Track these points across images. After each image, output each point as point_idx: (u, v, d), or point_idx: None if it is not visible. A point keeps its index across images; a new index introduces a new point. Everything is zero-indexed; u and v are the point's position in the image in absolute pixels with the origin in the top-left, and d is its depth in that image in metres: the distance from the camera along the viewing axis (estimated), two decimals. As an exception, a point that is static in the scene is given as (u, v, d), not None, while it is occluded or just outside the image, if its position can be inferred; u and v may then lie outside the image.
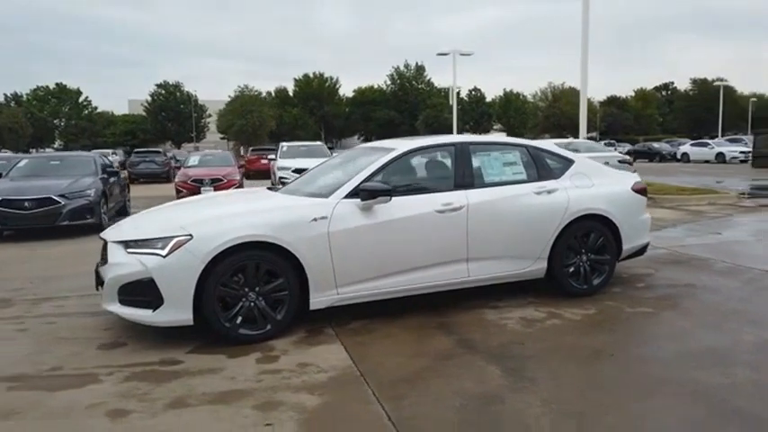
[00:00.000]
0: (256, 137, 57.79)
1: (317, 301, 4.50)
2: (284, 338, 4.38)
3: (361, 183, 4.68)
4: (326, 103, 72.41)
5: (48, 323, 4.92)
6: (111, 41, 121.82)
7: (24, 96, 68.47)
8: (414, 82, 76.55)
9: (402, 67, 76.65)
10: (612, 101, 74.65)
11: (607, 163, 8.14)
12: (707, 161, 33.42)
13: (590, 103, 18.71)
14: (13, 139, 56.47)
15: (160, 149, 33.12)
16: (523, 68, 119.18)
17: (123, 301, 4.28)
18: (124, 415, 3.23)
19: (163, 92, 69.46)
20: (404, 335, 4.49)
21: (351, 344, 4.29)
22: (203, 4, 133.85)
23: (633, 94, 78.92)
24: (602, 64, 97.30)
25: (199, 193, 13.65)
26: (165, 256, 4.12)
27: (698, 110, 70.40)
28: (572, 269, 5.30)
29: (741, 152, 32.21)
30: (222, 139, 68.44)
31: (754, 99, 67.70)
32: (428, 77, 76.73)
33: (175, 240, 4.16)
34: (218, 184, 14.54)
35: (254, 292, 4.31)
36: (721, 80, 55.32)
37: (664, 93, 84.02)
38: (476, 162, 5.18)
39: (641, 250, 5.84)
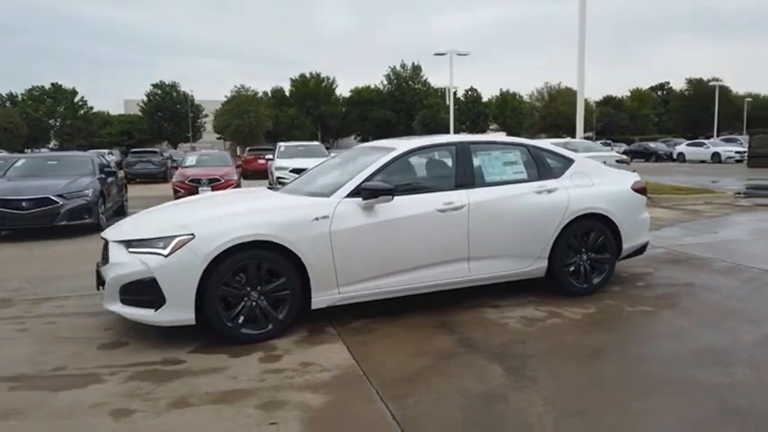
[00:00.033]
0: (253, 137, 57.69)
1: (319, 300, 4.51)
2: (286, 338, 4.38)
3: (363, 182, 4.68)
4: (323, 103, 72.33)
5: (48, 323, 4.91)
6: (108, 41, 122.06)
7: (19, 96, 68.16)
8: (410, 82, 76.53)
9: (399, 67, 76.68)
10: (608, 101, 74.83)
11: (605, 162, 8.16)
12: (703, 161, 33.55)
13: (586, 103, 18.77)
14: (8, 139, 56.23)
15: (157, 149, 33.07)
16: (520, 68, 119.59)
17: (125, 301, 4.27)
18: (127, 415, 3.22)
19: (159, 92, 69.25)
20: (405, 334, 4.50)
21: (352, 343, 4.30)
22: (198, 4, 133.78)
23: (629, 93, 79.14)
24: (599, 63, 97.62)
25: (196, 193, 13.62)
26: (167, 256, 4.12)
27: (693, 110, 70.63)
28: (572, 268, 5.32)
29: (736, 152, 32.36)
30: (219, 139, 68.30)
31: (750, 99, 68.05)
32: (425, 77, 76.81)
33: (177, 240, 4.16)
34: (215, 184, 14.51)
35: (256, 292, 4.31)
36: (716, 80, 55.65)
37: (659, 93, 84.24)
38: (476, 161, 5.19)
39: (641, 249, 5.87)
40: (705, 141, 37.40)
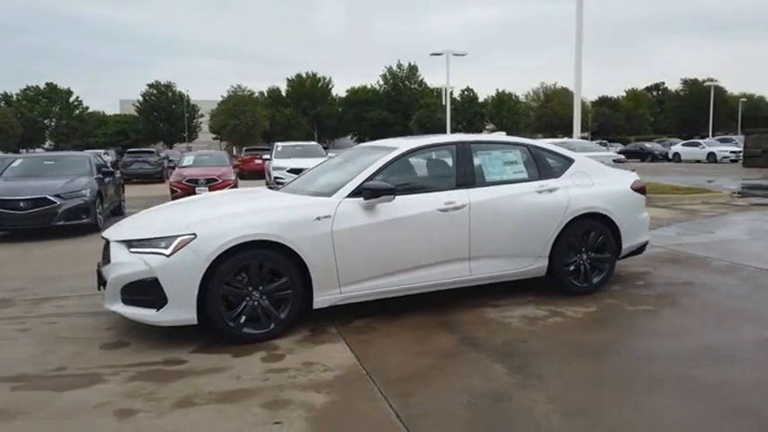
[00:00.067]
0: (249, 137, 57.63)
1: (321, 299, 4.51)
2: (288, 337, 4.38)
3: (364, 182, 4.68)
4: (319, 103, 72.28)
5: (49, 323, 4.89)
6: (104, 41, 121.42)
7: (14, 96, 67.87)
8: (407, 82, 76.56)
9: (395, 68, 76.72)
10: (604, 101, 75.05)
11: (602, 162, 8.18)
12: (698, 161, 33.68)
13: (582, 103, 18.79)
14: (3, 139, 56.01)
15: (153, 149, 33.00)
16: (516, 68, 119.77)
17: (126, 301, 4.26)
18: (131, 414, 3.22)
19: (155, 92, 69.08)
20: (406, 333, 4.50)
21: (354, 342, 4.30)
22: (193, 5, 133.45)
23: (624, 94, 79.42)
24: (595, 64, 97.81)
25: (194, 193, 13.59)
26: (169, 256, 4.11)
27: (688, 110, 70.93)
28: (572, 267, 5.33)
29: (732, 152, 32.50)
30: (215, 139, 68.17)
31: (744, 99, 68.32)
32: (421, 77, 76.86)
33: (179, 239, 4.15)
34: (213, 184, 14.48)
35: (258, 291, 4.31)
36: (711, 81, 55.74)
37: (655, 93, 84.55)
38: (477, 161, 5.20)
39: (640, 248, 5.89)
40: (701, 141, 37.54)
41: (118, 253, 4.35)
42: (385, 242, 4.64)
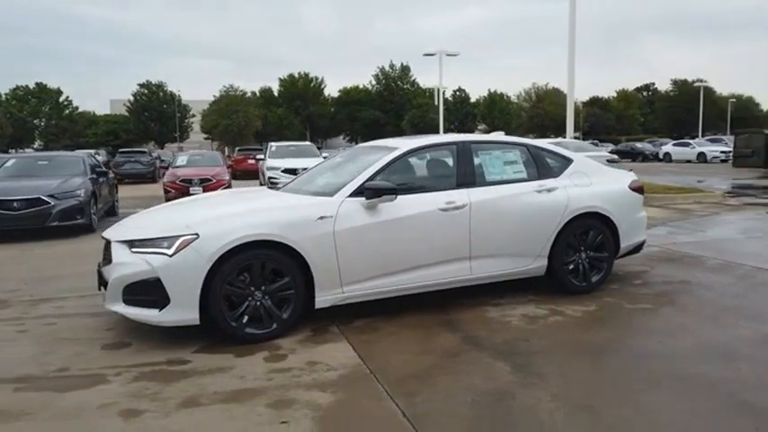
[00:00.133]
0: (242, 137, 57.46)
1: (323, 299, 4.52)
2: (290, 337, 4.38)
3: (366, 181, 4.69)
4: (312, 103, 72.22)
5: (48, 324, 4.87)
6: (93, 41, 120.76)
7: (3, 96, 67.27)
8: (399, 82, 76.69)
9: (387, 68, 76.80)
10: (595, 101, 75.47)
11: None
12: (688, 161, 33.96)
13: (574, 104, 18.86)
14: (-7, 139, 55.57)
15: (145, 149, 32.79)
16: (508, 69, 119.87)
17: (128, 301, 4.24)
18: (137, 415, 3.21)
19: (145, 92, 68.73)
20: (407, 332, 4.52)
21: (357, 342, 4.31)
22: (188, 4, 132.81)
23: (615, 94, 79.91)
24: (586, 64, 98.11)
25: (188, 193, 13.55)
26: (171, 256, 4.10)
27: (678, 110, 71.43)
28: (571, 266, 5.37)
29: (722, 152, 32.80)
30: (206, 139, 67.90)
31: (733, 100, 68.90)
32: (413, 78, 77.01)
33: (182, 239, 4.14)
34: (207, 184, 14.42)
35: (260, 291, 4.31)
36: (701, 81, 56.12)
37: (645, 93, 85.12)
38: (477, 161, 5.23)
39: (638, 248, 5.94)
40: (691, 141, 37.85)
41: (119, 253, 4.34)
42: (386, 242, 4.65)
